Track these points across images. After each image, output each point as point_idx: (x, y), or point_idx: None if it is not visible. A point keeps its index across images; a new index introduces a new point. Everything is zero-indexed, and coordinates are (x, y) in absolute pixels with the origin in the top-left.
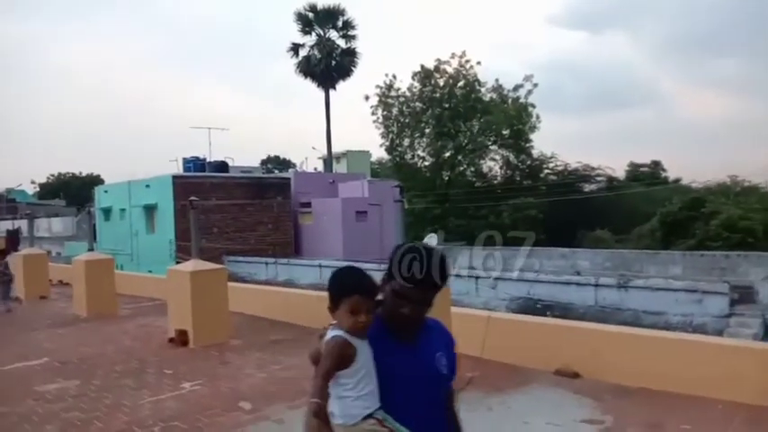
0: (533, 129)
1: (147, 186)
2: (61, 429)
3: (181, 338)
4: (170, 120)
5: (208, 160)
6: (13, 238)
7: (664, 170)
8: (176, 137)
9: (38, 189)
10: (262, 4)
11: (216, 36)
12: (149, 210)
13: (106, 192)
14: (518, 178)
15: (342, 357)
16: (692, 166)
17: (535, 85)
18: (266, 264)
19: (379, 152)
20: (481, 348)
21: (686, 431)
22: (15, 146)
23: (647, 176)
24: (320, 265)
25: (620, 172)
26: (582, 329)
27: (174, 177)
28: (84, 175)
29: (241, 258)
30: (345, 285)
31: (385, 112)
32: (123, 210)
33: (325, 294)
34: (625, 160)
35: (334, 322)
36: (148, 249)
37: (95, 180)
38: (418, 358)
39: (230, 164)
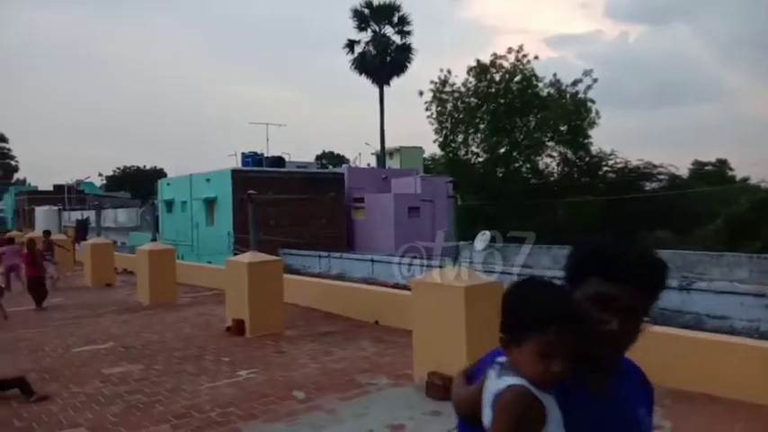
0: (592, 125)
1: (208, 180)
2: (125, 410)
3: (238, 327)
4: (230, 116)
5: (265, 155)
6: (82, 228)
7: (731, 169)
8: (236, 132)
9: (105, 181)
10: (318, 1)
11: (273, 32)
12: (209, 203)
13: (169, 185)
14: (576, 176)
15: (527, 421)
16: (762, 166)
17: (595, 80)
18: (320, 257)
19: (432, 148)
20: None
21: None
22: (85, 139)
23: (713, 175)
24: (372, 260)
25: (683, 170)
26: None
27: (233, 171)
28: (148, 168)
29: (295, 251)
30: (537, 311)
31: (439, 108)
32: (185, 202)
33: (375, 288)
34: (689, 159)
35: (501, 360)
36: (208, 241)
37: (159, 173)
38: (617, 416)
39: (286, 159)
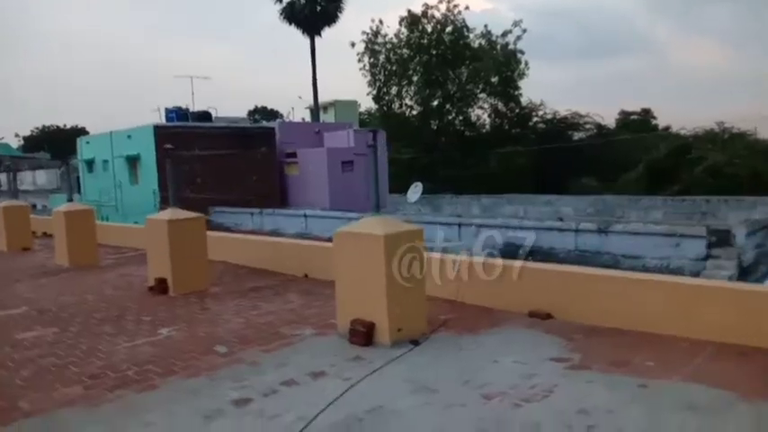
0: (522, 76)
1: (129, 137)
2: (35, 373)
3: (160, 286)
4: (154, 70)
5: (191, 111)
6: None
7: (654, 118)
8: (160, 88)
9: (22, 142)
10: None
11: None
12: (132, 161)
13: (88, 143)
14: (507, 127)
15: None
16: (684, 115)
17: (524, 30)
18: (251, 214)
19: (367, 102)
20: (456, 292)
21: (650, 367)
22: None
23: (637, 124)
24: (305, 215)
25: (609, 120)
26: (556, 272)
27: (156, 127)
28: (68, 127)
29: (227, 209)
30: None
31: (372, 60)
32: (106, 161)
33: (304, 242)
34: (616, 109)
35: None
36: (133, 201)
37: (80, 132)
38: None
39: (214, 114)
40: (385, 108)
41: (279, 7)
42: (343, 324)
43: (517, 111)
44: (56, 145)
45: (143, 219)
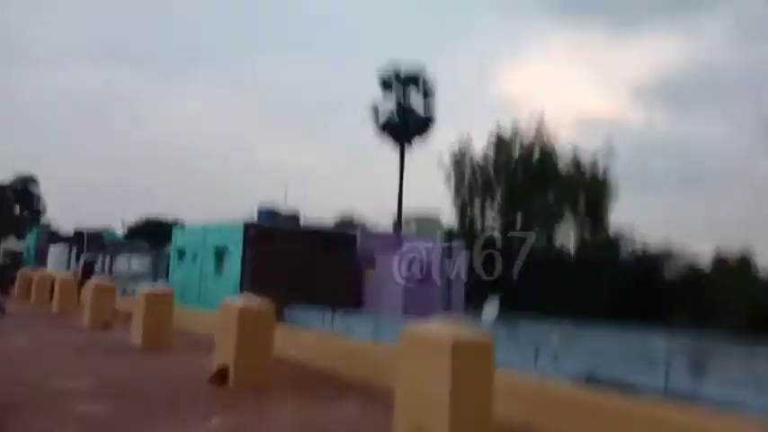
0: (611, 202)
1: (220, 231)
2: None
3: (221, 375)
4: (251, 171)
5: (281, 212)
6: (88, 269)
7: (753, 256)
8: (257, 189)
9: (126, 230)
10: (340, 63)
11: (294, 94)
12: (220, 253)
13: (182, 233)
14: (592, 253)
15: None
16: None
17: (616, 157)
18: (324, 314)
19: (450, 214)
20: (526, 421)
21: None
22: (113, 189)
23: (735, 263)
24: (375, 319)
25: (705, 255)
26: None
27: (246, 225)
28: (167, 220)
29: (300, 308)
30: None
31: (457, 175)
32: (196, 252)
33: (371, 346)
34: (712, 244)
35: None
36: (216, 291)
37: (178, 224)
38: None
39: (302, 219)
40: (467, 224)
41: (373, 121)
42: None
43: (604, 237)
44: (155, 234)
45: None
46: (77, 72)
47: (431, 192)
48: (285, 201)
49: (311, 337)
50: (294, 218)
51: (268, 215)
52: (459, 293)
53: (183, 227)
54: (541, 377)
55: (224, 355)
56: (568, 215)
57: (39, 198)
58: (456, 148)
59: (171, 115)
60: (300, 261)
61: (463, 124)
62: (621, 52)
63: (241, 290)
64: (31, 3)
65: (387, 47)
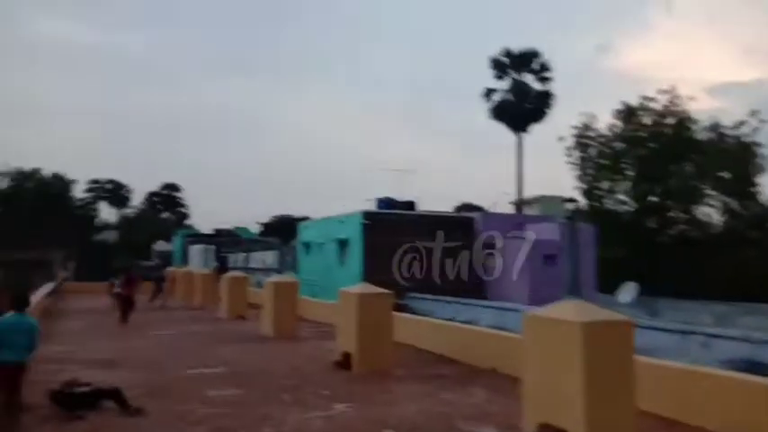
0: (761, 171)
1: (341, 222)
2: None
3: (345, 361)
4: (368, 165)
5: (397, 200)
6: (223, 264)
7: None
8: (377, 183)
9: (260, 228)
10: (452, 52)
11: (407, 85)
12: (342, 244)
13: (307, 227)
14: (742, 228)
15: None
16: None
17: (762, 121)
18: (446, 303)
19: (575, 197)
20: (677, 409)
21: None
22: (248, 191)
23: None
24: (501, 309)
25: None
26: None
27: (364, 214)
28: (296, 216)
29: (421, 296)
30: None
31: (581, 154)
32: (321, 244)
33: (496, 333)
34: None
35: None
36: (339, 281)
37: (305, 220)
38: None
39: (419, 207)
40: (595, 204)
41: (488, 106)
42: (529, 427)
43: (756, 210)
44: (286, 230)
45: None
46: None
47: (551, 174)
48: (403, 192)
49: (432, 324)
50: (410, 204)
51: (386, 205)
52: (589, 275)
53: (307, 221)
54: (691, 363)
55: (346, 341)
56: (710, 188)
57: (182, 203)
58: (579, 124)
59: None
60: (418, 247)
61: (584, 104)
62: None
63: (363, 279)
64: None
65: (501, 31)
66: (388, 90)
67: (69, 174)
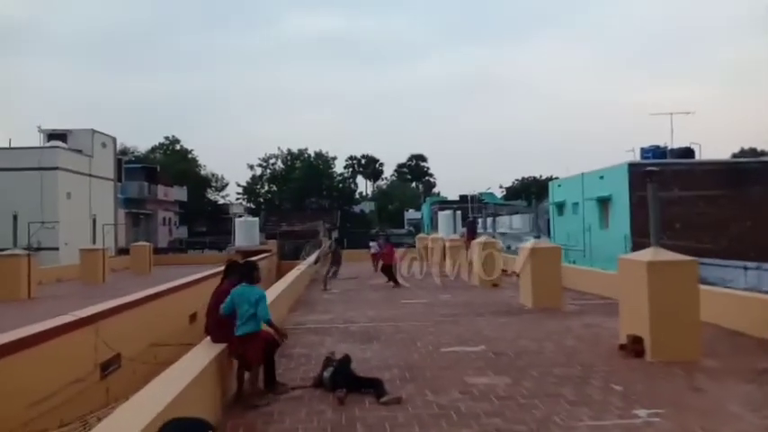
0: None
1: (601, 178)
2: None
3: (634, 347)
4: (623, 114)
5: (669, 148)
6: (471, 228)
7: None
8: (634, 134)
9: (504, 192)
10: None
11: (646, 33)
12: (603, 202)
13: (559, 186)
14: None
15: None
16: None
17: None
18: (745, 269)
19: None
20: None
21: None
22: (490, 156)
23: None
24: None
25: None
26: None
27: (630, 165)
28: (543, 177)
29: (710, 261)
30: None
31: None
32: (576, 204)
33: None
34: None
35: None
36: (601, 245)
37: (552, 180)
38: None
39: (697, 155)
40: None
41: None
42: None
43: None
44: (531, 193)
45: (611, 265)
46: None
47: None
48: (671, 140)
49: (746, 299)
50: (687, 152)
51: (654, 155)
52: None
53: (558, 179)
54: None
55: (634, 321)
56: None
57: (429, 172)
58: None
59: (532, 77)
60: (701, 203)
61: None
62: None
63: (633, 244)
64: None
65: None
66: (621, 36)
67: (330, 152)
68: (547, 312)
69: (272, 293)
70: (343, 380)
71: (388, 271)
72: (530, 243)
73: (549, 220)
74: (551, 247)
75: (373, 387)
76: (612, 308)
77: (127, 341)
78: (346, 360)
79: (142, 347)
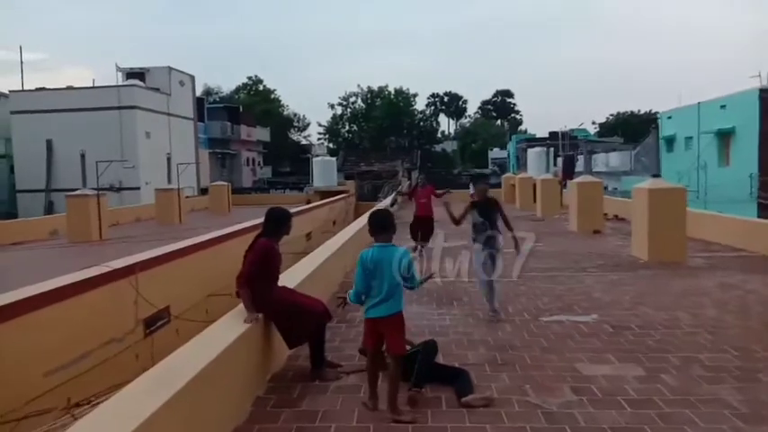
0: None
1: (723, 107)
2: None
3: None
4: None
5: None
6: (569, 164)
7: None
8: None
9: (597, 128)
10: None
11: None
12: (723, 136)
13: (670, 118)
14: None
15: None
16: None
17: None
18: None
19: None
20: None
21: None
22: (582, 92)
23: None
24: None
25: None
26: None
27: (762, 91)
28: (641, 112)
29: None
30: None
31: None
32: (689, 138)
33: None
34: None
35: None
36: (720, 185)
37: (652, 117)
38: None
39: None
40: None
41: None
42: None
43: None
44: (628, 129)
45: (732, 209)
46: None
47: None
48: None
49: None
50: None
51: None
52: None
53: (671, 111)
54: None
55: None
56: None
57: (515, 109)
58: None
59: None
60: None
61: None
62: None
63: (760, 185)
64: None
65: None
66: None
67: (411, 89)
68: (668, 268)
69: (335, 242)
70: (426, 373)
71: (426, 225)
72: (646, 183)
73: (656, 157)
74: (674, 187)
75: (456, 380)
76: (751, 262)
77: (178, 292)
78: (432, 348)
79: (198, 299)
